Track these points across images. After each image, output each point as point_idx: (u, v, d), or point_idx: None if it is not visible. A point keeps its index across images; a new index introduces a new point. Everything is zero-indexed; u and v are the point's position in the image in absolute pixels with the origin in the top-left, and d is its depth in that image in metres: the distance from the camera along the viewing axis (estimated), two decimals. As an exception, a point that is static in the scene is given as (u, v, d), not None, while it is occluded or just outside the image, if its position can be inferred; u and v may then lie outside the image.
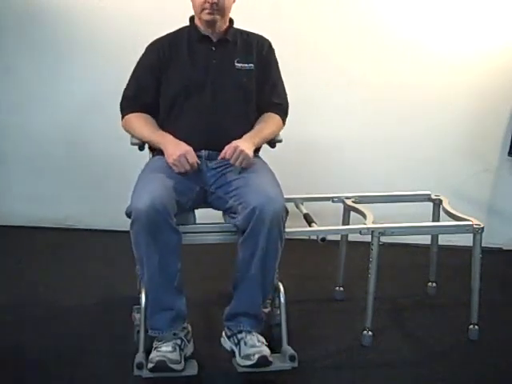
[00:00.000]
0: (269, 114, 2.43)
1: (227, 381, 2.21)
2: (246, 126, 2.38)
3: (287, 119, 2.49)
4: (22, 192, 3.48)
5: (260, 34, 2.48)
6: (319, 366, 2.29)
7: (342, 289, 2.81)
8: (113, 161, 3.40)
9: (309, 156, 3.41)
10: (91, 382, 2.18)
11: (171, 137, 2.30)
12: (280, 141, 2.50)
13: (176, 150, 2.25)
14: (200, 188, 2.31)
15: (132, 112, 2.39)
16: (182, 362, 2.10)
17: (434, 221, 2.69)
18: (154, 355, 2.08)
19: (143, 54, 2.43)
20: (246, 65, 2.39)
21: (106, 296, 2.78)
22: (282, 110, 2.47)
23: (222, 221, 2.33)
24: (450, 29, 3.27)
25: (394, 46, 3.30)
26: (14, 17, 3.32)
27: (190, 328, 2.21)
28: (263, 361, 2.07)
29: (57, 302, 2.70)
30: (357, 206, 2.59)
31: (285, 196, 2.19)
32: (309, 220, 2.45)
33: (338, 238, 2.73)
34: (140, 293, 2.21)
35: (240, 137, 2.31)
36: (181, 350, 2.12)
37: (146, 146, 2.44)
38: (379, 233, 2.32)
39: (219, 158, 2.27)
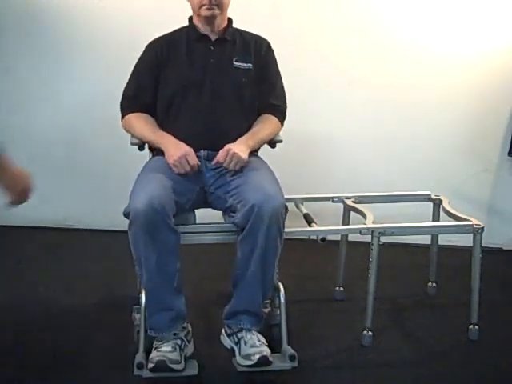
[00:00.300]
0: (266, 115, 2.43)
1: (227, 381, 2.21)
2: (245, 125, 2.37)
3: (287, 119, 2.49)
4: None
5: (259, 34, 2.48)
6: (319, 365, 2.29)
7: (342, 289, 2.81)
8: (113, 161, 3.40)
9: (309, 156, 3.42)
10: (91, 382, 2.18)
11: (172, 137, 2.30)
12: (280, 141, 2.50)
13: (177, 151, 2.24)
14: (200, 188, 2.31)
15: (132, 112, 2.39)
16: (183, 362, 2.10)
17: (434, 221, 2.69)
18: (154, 355, 2.08)
19: (142, 54, 2.43)
20: (245, 64, 2.39)
21: (106, 296, 2.77)
22: (280, 111, 2.46)
23: (222, 221, 2.34)
24: (450, 29, 3.27)
25: (394, 47, 3.30)
26: (14, 17, 3.32)
27: (190, 328, 2.21)
28: (264, 361, 2.07)
29: (57, 301, 2.70)
30: (357, 206, 2.59)
31: (285, 196, 2.19)
32: (309, 220, 2.45)
33: (338, 238, 2.73)
34: (140, 293, 2.21)
35: (239, 136, 2.31)
36: (181, 350, 2.12)
37: (146, 146, 2.44)
38: (379, 233, 2.32)
39: (213, 163, 2.27)
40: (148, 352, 2.12)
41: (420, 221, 2.49)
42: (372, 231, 2.33)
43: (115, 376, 2.19)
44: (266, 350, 2.10)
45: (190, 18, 2.44)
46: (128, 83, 2.43)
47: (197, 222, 2.34)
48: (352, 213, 2.62)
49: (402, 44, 3.30)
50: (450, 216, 2.56)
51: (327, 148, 3.41)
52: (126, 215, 2.11)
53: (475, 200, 3.36)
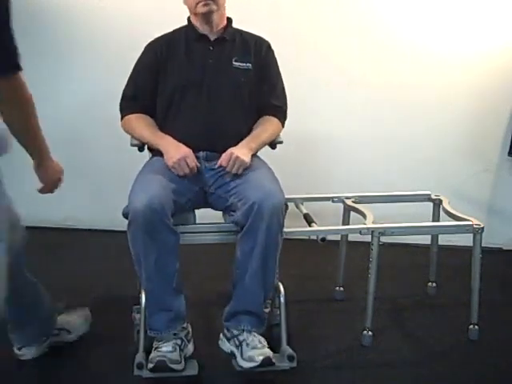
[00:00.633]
0: (267, 117, 2.42)
1: (227, 381, 2.21)
2: (244, 126, 2.37)
3: (287, 119, 2.48)
4: (21, 192, 3.47)
5: (259, 34, 2.48)
6: (319, 366, 2.29)
7: (342, 289, 2.81)
8: (113, 161, 3.40)
9: (309, 156, 3.42)
10: (91, 382, 2.19)
11: (171, 139, 2.30)
12: (281, 142, 2.50)
13: (176, 153, 2.24)
14: (199, 188, 2.31)
15: (132, 113, 2.39)
16: (182, 362, 2.10)
17: (434, 221, 2.69)
18: (154, 355, 2.08)
19: (141, 54, 2.43)
20: (244, 64, 2.38)
21: (106, 296, 2.78)
22: (281, 112, 2.45)
23: (222, 221, 2.34)
24: (450, 29, 3.27)
25: (394, 46, 3.30)
26: (14, 17, 3.30)
27: (190, 328, 2.21)
28: (267, 362, 2.06)
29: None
30: (357, 206, 2.59)
31: (285, 196, 2.19)
32: (309, 220, 2.45)
33: (338, 238, 2.73)
34: (140, 293, 2.21)
35: (238, 137, 2.31)
36: (181, 350, 2.12)
37: (146, 146, 2.44)
38: (379, 233, 2.32)
39: (216, 166, 2.27)
40: (148, 352, 2.12)
41: (420, 221, 2.49)
42: (372, 231, 2.33)
43: (115, 376, 2.19)
44: (269, 351, 2.09)
45: (189, 18, 2.43)
46: (127, 84, 2.43)
47: (197, 221, 2.34)
48: (352, 213, 2.62)
49: (402, 44, 3.30)
50: (450, 216, 2.56)
51: (327, 148, 3.41)
52: (125, 215, 2.11)
53: (475, 200, 3.36)
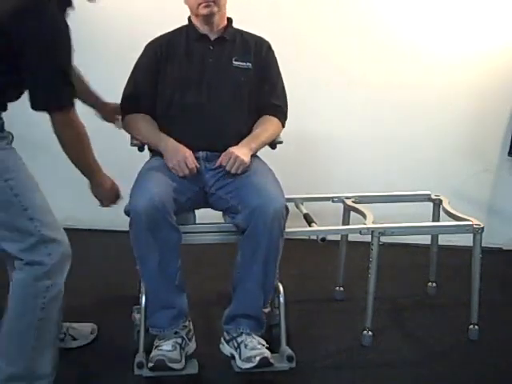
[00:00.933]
0: (268, 117, 2.41)
1: (227, 380, 2.21)
2: (244, 125, 2.37)
3: (287, 119, 2.48)
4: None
5: (259, 34, 2.48)
6: (319, 366, 2.29)
7: (342, 289, 2.81)
8: (113, 161, 3.37)
9: (309, 156, 3.42)
10: (92, 382, 2.19)
11: (171, 140, 2.29)
12: (281, 142, 2.49)
13: (176, 154, 2.24)
14: (199, 189, 2.30)
15: (132, 112, 2.39)
16: (183, 360, 2.09)
17: (434, 221, 2.69)
18: (154, 354, 2.08)
19: (141, 54, 2.43)
20: (244, 63, 2.38)
21: (106, 296, 2.78)
22: (282, 112, 2.45)
23: (222, 221, 2.33)
24: (450, 29, 3.27)
25: (394, 46, 3.30)
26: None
27: (191, 326, 2.20)
28: (265, 362, 2.05)
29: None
30: (357, 206, 2.59)
31: (285, 196, 2.19)
32: (309, 220, 2.45)
33: (338, 238, 2.73)
34: (140, 293, 2.21)
35: (238, 137, 2.31)
36: (181, 348, 2.11)
37: (146, 146, 2.43)
38: (379, 233, 2.32)
39: (215, 165, 2.27)
40: (148, 352, 2.12)
41: (420, 221, 2.49)
42: (372, 231, 2.33)
43: (115, 376, 2.19)
44: (267, 352, 2.08)
45: (190, 18, 2.43)
46: (127, 83, 2.42)
47: (197, 221, 2.34)
48: (352, 213, 2.62)
49: (402, 44, 3.30)
50: (450, 216, 2.56)
51: (327, 148, 3.41)
52: (127, 213, 2.11)
53: (475, 200, 3.36)
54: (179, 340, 2.12)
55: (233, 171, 2.23)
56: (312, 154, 3.42)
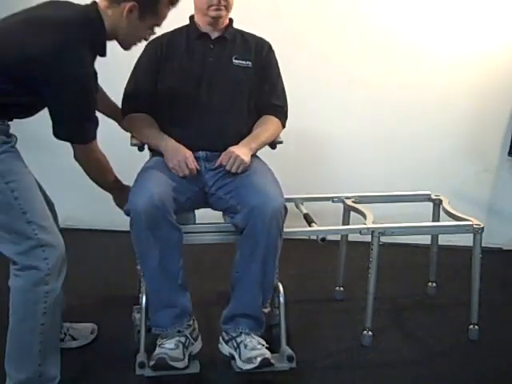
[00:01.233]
0: (268, 116, 2.41)
1: (227, 380, 2.21)
2: (244, 125, 2.37)
3: (287, 119, 2.48)
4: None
5: (259, 34, 2.48)
6: (319, 366, 2.29)
7: (342, 289, 2.81)
8: (113, 161, 3.38)
9: (309, 156, 3.42)
10: (92, 382, 2.18)
11: (171, 140, 2.29)
12: (281, 142, 2.49)
13: (176, 154, 2.23)
14: (199, 189, 2.30)
15: (133, 112, 2.39)
16: (185, 359, 2.08)
17: (434, 221, 2.69)
18: (156, 352, 2.08)
19: (142, 53, 2.43)
20: (244, 62, 2.38)
21: (106, 296, 2.78)
22: (282, 112, 2.44)
23: (222, 221, 2.33)
24: (450, 29, 3.27)
25: (394, 46, 3.30)
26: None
27: (196, 325, 2.20)
28: (265, 363, 2.05)
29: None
30: (357, 206, 2.59)
31: (285, 196, 2.19)
32: (309, 220, 2.45)
33: (338, 238, 2.73)
34: (140, 293, 2.21)
35: (238, 136, 2.31)
36: (185, 347, 2.10)
37: (146, 146, 2.43)
38: (379, 233, 2.32)
39: (215, 165, 2.27)
40: (150, 351, 2.11)
41: (420, 221, 2.49)
42: (372, 231, 2.33)
43: (116, 376, 2.19)
44: (267, 353, 2.08)
45: (191, 17, 2.43)
46: (128, 83, 2.42)
47: (197, 221, 2.34)
48: (352, 213, 2.62)
49: (402, 44, 3.30)
50: (450, 216, 2.56)
51: (327, 148, 3.41)
52: (127, 212, 2.11)
53: (475, 200, 3.36)
54: (182, 339, 2.12)
55: (233, 171, 2.23)
56: (312, 154, 3.42)
